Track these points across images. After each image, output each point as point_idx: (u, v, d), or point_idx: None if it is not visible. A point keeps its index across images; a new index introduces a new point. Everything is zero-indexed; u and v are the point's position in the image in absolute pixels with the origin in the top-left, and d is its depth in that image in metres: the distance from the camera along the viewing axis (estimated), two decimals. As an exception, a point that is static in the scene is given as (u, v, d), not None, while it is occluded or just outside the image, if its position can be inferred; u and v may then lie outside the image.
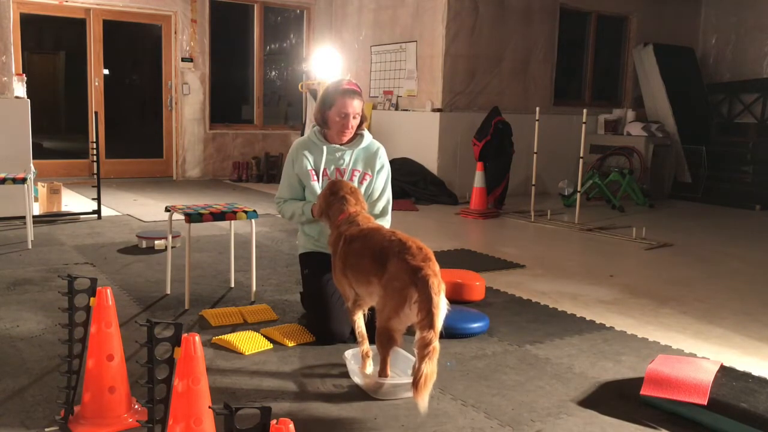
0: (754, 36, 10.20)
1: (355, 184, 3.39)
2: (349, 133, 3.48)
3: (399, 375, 2.83)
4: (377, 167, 3.53)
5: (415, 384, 2.40)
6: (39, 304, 3.78)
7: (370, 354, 2.87)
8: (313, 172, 3.46)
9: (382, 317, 2.68)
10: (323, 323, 3.32)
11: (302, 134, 9.83)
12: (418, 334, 2.49)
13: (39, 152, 7.87)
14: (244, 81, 10.40)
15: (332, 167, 3.48)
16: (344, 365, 2.97)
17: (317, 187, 3.43)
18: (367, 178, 3.50)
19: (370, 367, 2.84)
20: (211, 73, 9.77)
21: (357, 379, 2.85)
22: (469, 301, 4.05)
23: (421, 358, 2.42)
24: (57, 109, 10.82)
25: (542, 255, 5.56)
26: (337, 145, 3.50)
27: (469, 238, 6.38)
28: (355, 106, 3.42)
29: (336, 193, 3.08)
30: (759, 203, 8.47)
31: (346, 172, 3.47)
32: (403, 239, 2.70)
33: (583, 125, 6.95)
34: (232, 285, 4.30)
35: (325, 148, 3.48)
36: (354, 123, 3.45)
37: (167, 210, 4.08)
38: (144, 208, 7.13)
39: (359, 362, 2.87)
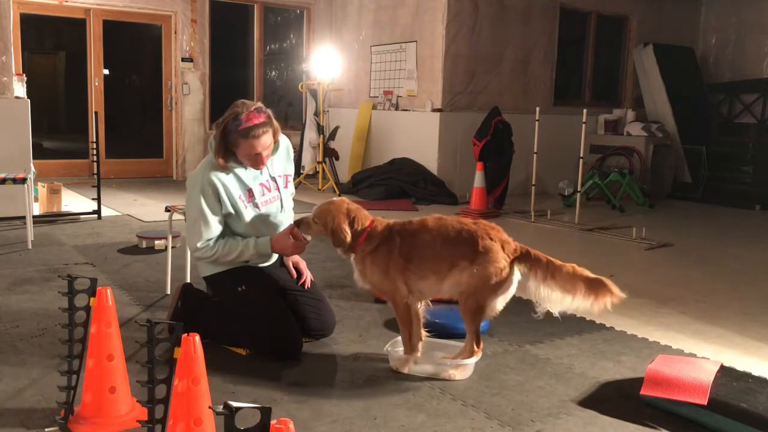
0: (754, 36, 10.20)
1: (285, 187, 3.29)
2: (266, 161, 3.13)
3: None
4: (291, 160, 3.39)
5: (606, 284, 2.78)
6: (39, 304, 3.78)
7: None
8: (243, 199, 3.10)
9: (479, 296, 2.86)
10: (286, 330, 3.07)
11: (302, 134, 9.84)
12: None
13: (39, 152, 7.87)
14: (244, 81, 10.40)
15: (257, 184, 3.15)
16: (342, 365, 2.99)
17: (252, 211, 3.12)
18: (289, 178, 3.36)
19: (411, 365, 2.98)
20: (211, 73, 9.77)
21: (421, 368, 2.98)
22: (469, 301, 4.04)
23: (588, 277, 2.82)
24: (57, 109, 10.81)
25: (542, 255, 5.55)
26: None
27: (469, 238, 6.37)
28: (264, 141, 3.00)
29: (340, 223, 2.95)
30: (759, 203, 8.47)
31: (276, 180, 3.24)
32: (471, 223, 2.95)
33: (583, 125, 6.95)
34: (232, 285, 4.29)
35: (237, 169, 3.10)
36: (269, 153, 3.09)
37: (167, 210, 4.08)
38: (144, 208, 7.13)
39: (403, 357, 2.99)
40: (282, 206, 3.28)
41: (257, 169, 3.14)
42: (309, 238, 3.12)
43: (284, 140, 3.34)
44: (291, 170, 3.39)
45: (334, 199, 3.09)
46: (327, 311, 3.37)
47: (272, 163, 3.24)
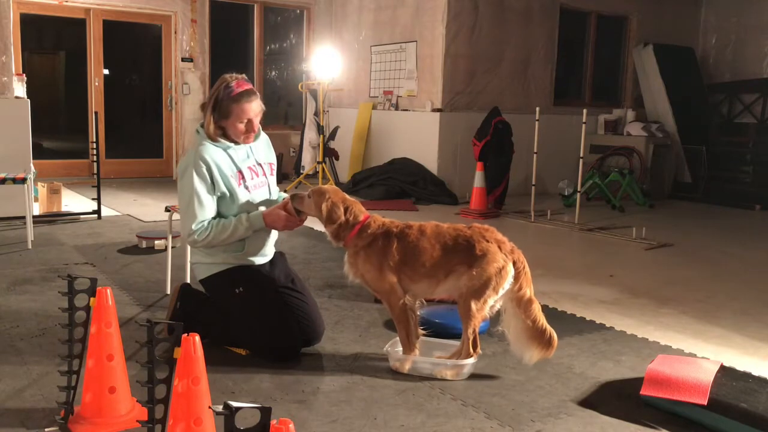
0: (754, 36, 10.20)
1: (271, 174, 3.32)
2: (255, 135, 3.20)
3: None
4: (272, 149, 3.42)
5: (551, 341, 2.91)
6: (39, 304, 3.78)
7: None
8: (234, 178, 3.10)
9: (480, 296, 2.87)
10: (285, 330, 3.08)
11: (302, 134, 9.83)
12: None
13: (39, 152, 7.87)
14: (244, 81, 10.38)
15: (245, 167, 3.17)
16: (342, 365, 2.99)
17: (245, 193, 3.13)
18: (273, 167, 3.38)
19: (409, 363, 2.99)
20: (211, 73, 9.77)
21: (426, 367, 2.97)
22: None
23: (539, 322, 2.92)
24: (57, 109, 10.80)
25: (542, 255, 5.55)
26: (240, 144, 3.17)
27: (469, 238, 6.36)
28: (254, 107, 3.09)
29: (335, 203, 3.00)
30: (759, 203, 8.48)
31: (262, 166, 3.25)
32: (465, 228, 2.99)
33: (583, 125, 6.95)
34: (232, 285, 4.28)
35: (230, 149, 3.13)
36: (257, 122, 3.15)
37: (167, 210, 4.08)
38: (144, 208, 7.13)
39: (403, 357, 2.99)
40: (270, 192, 3.30)
41: (247, 140, 3.17)
42: (302, 217, 3.11)
43: (262, 131, 3.35)
44: (273, 159, 3.40)
45: (335, 187, 3.16)
46: (317, 316, 3.25)
47: (256, 150, 3.26)
